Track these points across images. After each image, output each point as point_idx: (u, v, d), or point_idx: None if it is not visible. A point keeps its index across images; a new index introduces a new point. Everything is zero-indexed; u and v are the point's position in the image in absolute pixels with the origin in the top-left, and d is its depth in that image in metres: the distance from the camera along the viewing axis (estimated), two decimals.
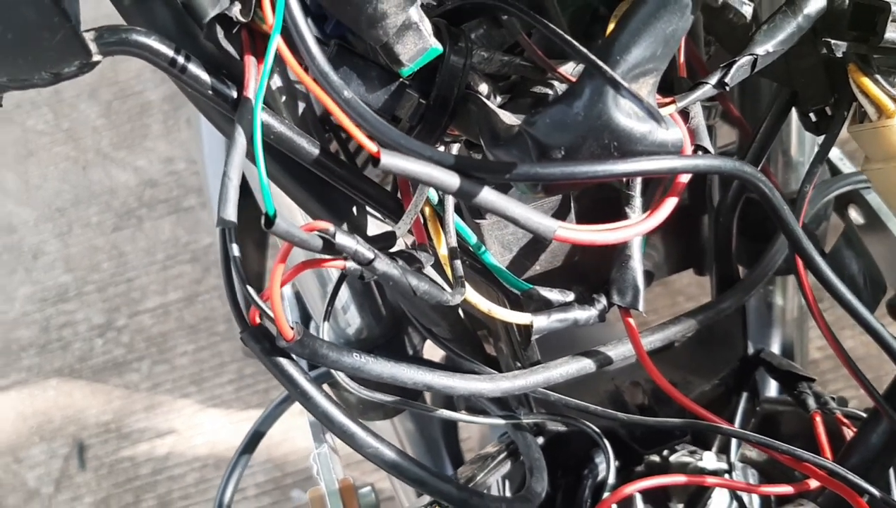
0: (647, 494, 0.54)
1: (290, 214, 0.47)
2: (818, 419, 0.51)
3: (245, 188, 0.62)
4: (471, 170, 0.32)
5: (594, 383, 0.55)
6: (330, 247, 0.32)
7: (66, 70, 0.33)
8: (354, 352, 0.38)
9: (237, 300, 0.36)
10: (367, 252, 0.32)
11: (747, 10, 0.31)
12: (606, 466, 0.47)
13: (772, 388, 0.63)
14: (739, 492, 0.51)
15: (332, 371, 0.41)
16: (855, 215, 0.61)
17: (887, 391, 0.46)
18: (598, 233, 0.35)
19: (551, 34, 0.31)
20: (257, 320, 0.36)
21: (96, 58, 0.33)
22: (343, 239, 0.32)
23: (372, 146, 0.31)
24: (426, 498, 0.47)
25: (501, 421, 0.49)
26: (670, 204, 0.35)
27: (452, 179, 0.31)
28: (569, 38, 0.31)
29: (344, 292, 0.55)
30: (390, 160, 0.30)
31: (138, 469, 1.74)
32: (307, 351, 0.36)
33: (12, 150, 2.13)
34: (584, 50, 0.30)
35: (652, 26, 0.31)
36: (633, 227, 0.36)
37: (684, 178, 0.36)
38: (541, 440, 0.53)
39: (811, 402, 0.52)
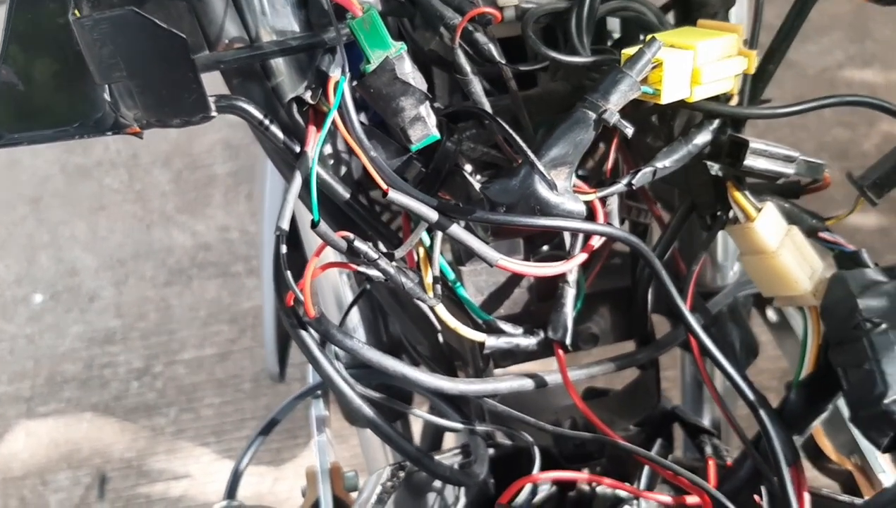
0: None
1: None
2: (711, 462, 0.65)
3: (296, 240, 0.79)
4: (445, 210, 0.49)
5: (541, 415, 0.70)
6: (350, 250, 0.48)
7: (193, 119, 0.50)
8: (355, 338, 0.54)
9: (281, 287, 0.53)
10: (373, 254, 0.49)
11: (629, 132, 0.48)
12: (532, 463, 0.61)
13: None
14: None
15: (335, 368, 0.56)
16: (771, 314, 0.76)
17: (754, 438, 0.60)
18: (527, 267, 0.51)
19: (506, 135, 0.48)
20: (291, 302, 0.52)
21: (213, 113, 0.51)
22: (359, 243, 0.48)
23: (384, 185, 0.48)
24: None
25: (460, 425, 0.64)
26: (579, 258, 0.52)
27: (432, 214, 0.48)
28: (516, 137, 0.48)
29: (355, 316, 0.71)
30: (394, 195, 0.47)
31: (151, 507, 1.86)
32: (322, 328, 0.52)
33: (87, 203, 2.35)
34: (524, 146, 0.47)
35: (566, 136, 0.48)
36: (551, 268, 0.52)
37: (594, 242, 0.52)
38: (492, 451, 0.68)
39: (708, 450, 0.66)
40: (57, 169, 2.44)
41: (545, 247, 0.67)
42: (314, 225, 0.47)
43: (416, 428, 0.97)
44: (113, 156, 2.43)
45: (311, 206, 0.47)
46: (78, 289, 2.19)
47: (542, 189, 0.47)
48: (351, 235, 0.48)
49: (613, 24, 0.65)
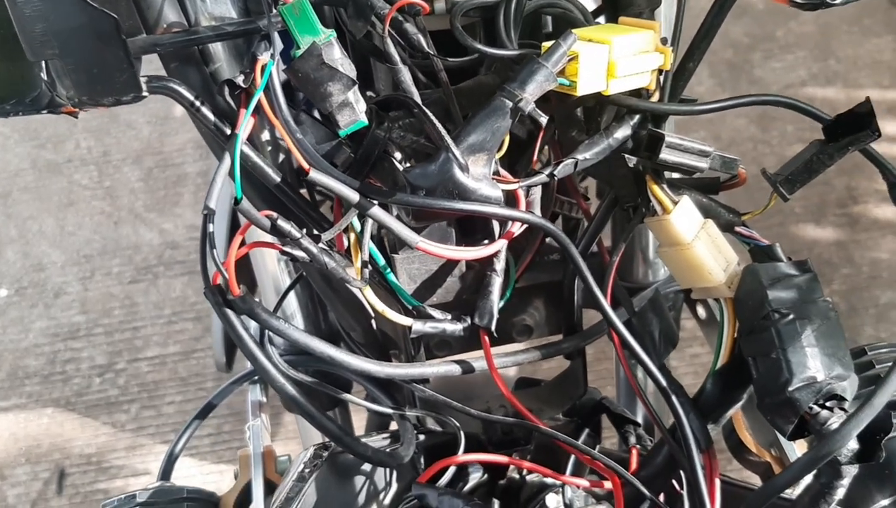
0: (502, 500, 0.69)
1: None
2: (634, 451, 0.67)
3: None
4: (366, 191, 0.50)
5: (473, 403, 0.71)
6: (273, 228, 0.50)
7: (124, 98, 0.52)
8: (280, 318, 0.55)
9: (207, 266, 0.54)
10: (296, 233, 0.50)
11: (543, 120, 0.50)
12: (458, 445, 0.62)
13: None
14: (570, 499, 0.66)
15: (266, 354, 0.57)
16: (700, 311, 0.78)
17: (671, 426, 0.61)
18: (446, 250, 0.53)
19: (428, 122, 0.50)
20: (218, 281, 0.54)
21: (145, 93, 0.52)
22: (282, 223, 0.50)
23: (305, 164, 0.49)
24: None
25: (390, 410, 0.65)
26: (498, 244, 0.54)
27: (353, 194, 0.50)
28: (436, 123, 0.49)
29: (293, 304, 0.72)
30: (315, 175, 0.49)
31: None
32: (246, 307, 0.53)
33: (56, 198, 2.35)
34: (442, 131, 0.49)
35: (484, 123, 0.49)
36: (470, 252, 0.54)
37: (515, 229, 0.54)
38: (423, 437, 0.69)
39: (632, 439, 0.68)
40: (28, 164, 2.44)
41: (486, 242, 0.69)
42: (237, 202, 0.48)
43: (360, 424, 0.98)
44: (84, 153, 2.43)
45: (235, 184, 0.49)
46: (43, 285, 2.19)
47: (459, 174, 0.49)
48: (274, 214, 0.50)
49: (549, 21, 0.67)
